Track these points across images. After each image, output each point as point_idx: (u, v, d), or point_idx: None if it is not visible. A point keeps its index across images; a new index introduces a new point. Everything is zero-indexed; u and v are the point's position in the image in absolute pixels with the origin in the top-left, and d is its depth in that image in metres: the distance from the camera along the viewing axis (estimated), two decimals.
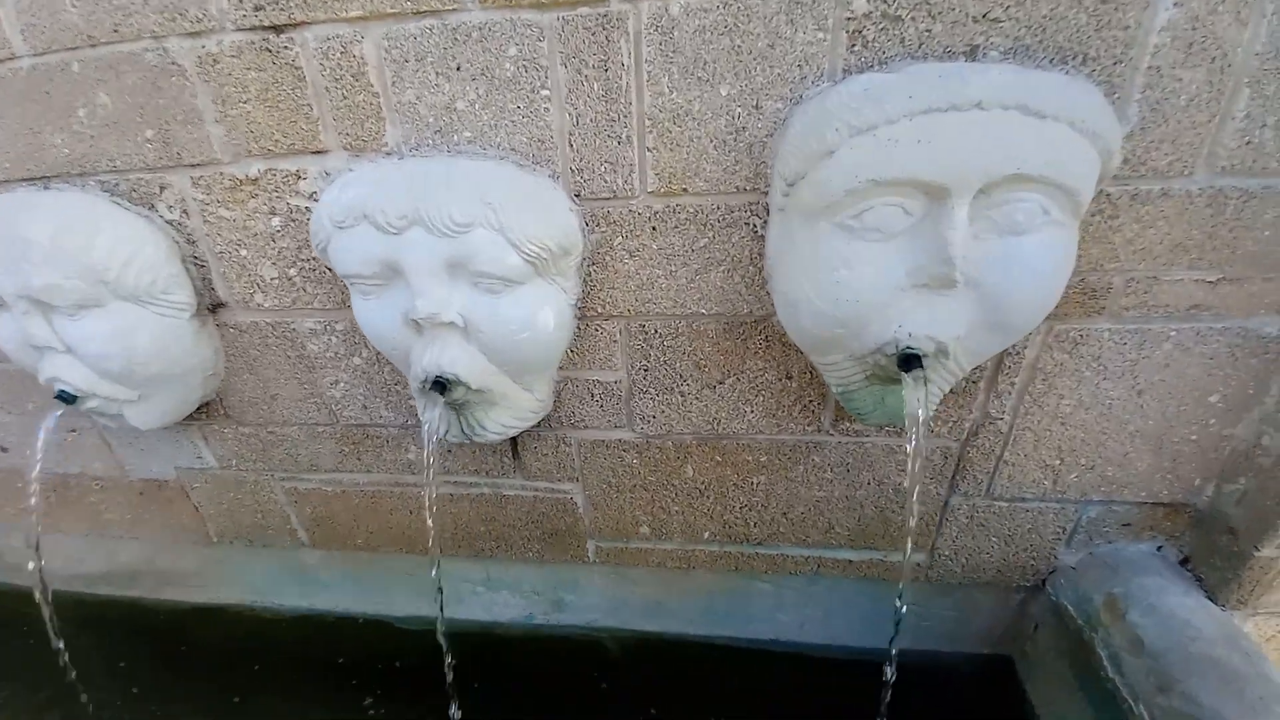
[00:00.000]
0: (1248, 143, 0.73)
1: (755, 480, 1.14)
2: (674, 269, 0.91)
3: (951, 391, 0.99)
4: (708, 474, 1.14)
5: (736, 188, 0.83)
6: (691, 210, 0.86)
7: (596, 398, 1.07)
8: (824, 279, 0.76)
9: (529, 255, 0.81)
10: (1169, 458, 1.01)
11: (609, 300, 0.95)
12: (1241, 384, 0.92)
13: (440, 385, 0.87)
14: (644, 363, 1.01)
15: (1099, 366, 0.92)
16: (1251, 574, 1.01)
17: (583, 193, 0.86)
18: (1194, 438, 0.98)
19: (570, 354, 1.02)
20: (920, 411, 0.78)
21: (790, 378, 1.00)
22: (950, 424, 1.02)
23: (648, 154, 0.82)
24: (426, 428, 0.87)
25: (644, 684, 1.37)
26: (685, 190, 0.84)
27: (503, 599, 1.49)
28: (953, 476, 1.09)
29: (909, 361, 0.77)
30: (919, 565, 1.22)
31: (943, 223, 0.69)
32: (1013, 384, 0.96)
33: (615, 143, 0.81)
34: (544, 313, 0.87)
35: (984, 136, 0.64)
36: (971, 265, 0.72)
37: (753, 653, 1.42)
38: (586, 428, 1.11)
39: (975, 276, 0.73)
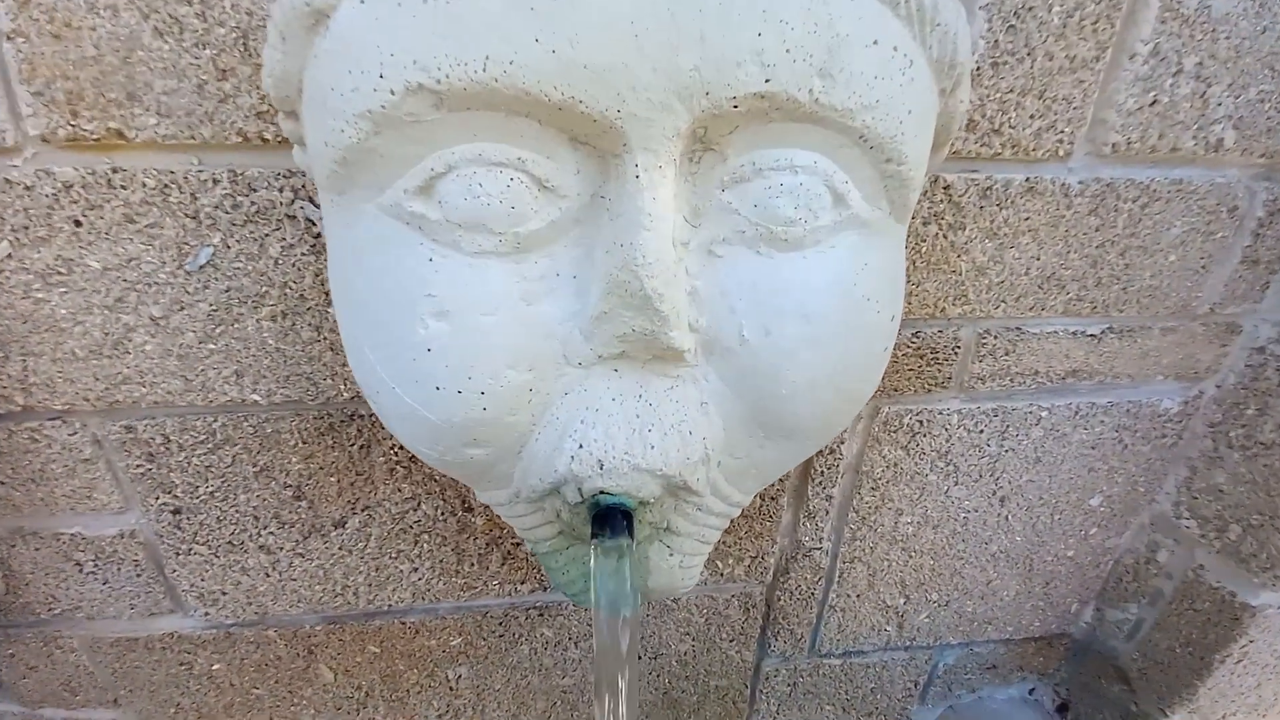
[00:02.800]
0: (1152, 102, 0.43)
1: (452, 675, 0.67)
2: (161, 314, 0.43)
3: (744, 515, 0.61)
4: (363, 676, 0.65)
5: (241, 133, 0.38)
6: (155, 184, 0.39)
7: (90, 567, 0.54)
8: (399, 338, 0.32)
9: None
10: (1040, 581, 0.71)
11: (42, 381, 0.45)
12: (1130, 479, 0.64)
13: None
14: (168, 499, 0.51)
15: (947, 467, 0.59)
16: None
17: None
18: (1070, 553, 0.69)
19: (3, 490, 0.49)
20: (625, 610, 0.37)
21: (471, 510, 0.56)
22: (748, 560, 0.63)
23: (6, 46, 0.34)
24: None
25: None
26: (122, 136, 0.37)
27: None
28: (762, 633, 0.70)
29: (609, 521, 0.36)
30: None
31: (623, 210, 0.29)
32: (829, 498, 0.60)
33: None
34: None
35: None
36: (706, 308, 0.33)
37: None
38: (93, 618, 0.57)
39: (717, 332, 0.33)
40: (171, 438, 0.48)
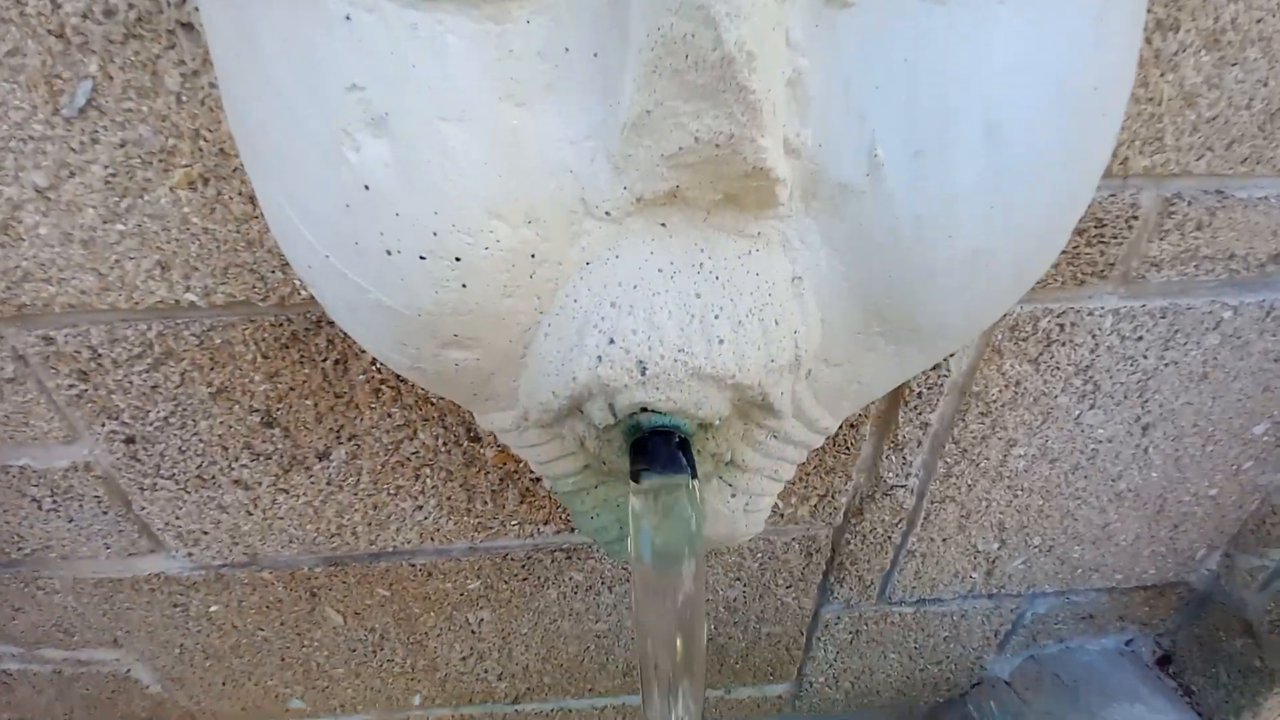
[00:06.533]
0: None
1: (473, 619, 0.60)
2: (47, 183, 0.32)
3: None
4: (375, 619, 0.59)
5: None
6: None
7: (49, 504, 0.47)
8: (319, 171, 0.20)
9: None
10: (1169, 524, 0.59)
11: None
12: None
13: None
14: (117, 426, 0.43)
15: (1085, 386, 0.46)
16: (1278, 700, 0.62)
17: None
18: (1213, 492, 0.56)
19: None
20: (689, 566, 0.27)
21: (478, 439, 0.46)
22: (815, 499, 0.53)
23: None
24: None
25: None
26: None
27: None
28: (824, 579, 0.61)
29: (656, 452, 0.25)
30: (781, 697, 0.76)
31: None
32: (924, 425, 0.48)
33: None
34: None
35: None
36: (816, 112, 0.20)
37: None
38: (67, 558, 0.51)
39: (831, 155, 0.21)
40: (101, 351, 0.38)
